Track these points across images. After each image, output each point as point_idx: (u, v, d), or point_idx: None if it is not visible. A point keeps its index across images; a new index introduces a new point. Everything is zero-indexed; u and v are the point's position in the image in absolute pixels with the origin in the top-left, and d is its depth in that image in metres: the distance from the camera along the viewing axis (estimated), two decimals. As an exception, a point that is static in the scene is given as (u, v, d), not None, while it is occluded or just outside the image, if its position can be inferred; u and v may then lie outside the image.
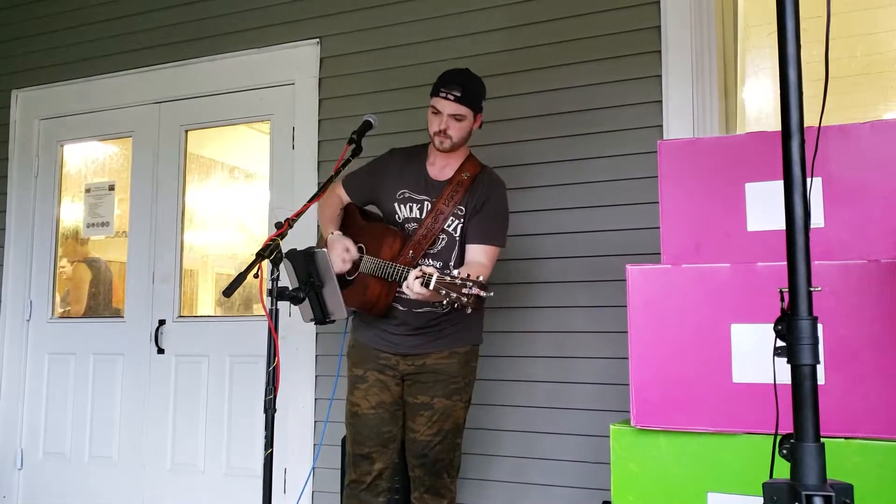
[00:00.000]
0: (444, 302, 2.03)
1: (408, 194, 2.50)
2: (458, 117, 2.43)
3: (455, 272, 2.05)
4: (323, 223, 2.68)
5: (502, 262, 3.14)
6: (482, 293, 2.01)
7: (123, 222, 4.12)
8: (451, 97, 2.42)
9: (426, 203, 2.47)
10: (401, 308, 2.44)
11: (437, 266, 2.38)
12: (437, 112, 2.45)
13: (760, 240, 1.69)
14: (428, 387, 2.45)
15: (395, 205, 2.50)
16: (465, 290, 2.00)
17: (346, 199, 2.65)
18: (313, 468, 3.37)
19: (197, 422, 3.76)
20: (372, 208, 2.69)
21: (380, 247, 2.40)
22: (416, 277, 2.06)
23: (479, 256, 2.41)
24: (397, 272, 2.31)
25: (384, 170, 2.56)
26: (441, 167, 2.53)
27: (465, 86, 2.44)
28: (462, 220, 2.45)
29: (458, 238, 2.45)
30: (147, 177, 4.03)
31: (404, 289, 2.14)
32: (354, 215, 2.63)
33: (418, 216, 2.46)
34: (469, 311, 2.03)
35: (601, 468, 2.87)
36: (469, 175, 2.48)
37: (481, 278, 2.04)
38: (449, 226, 2.45)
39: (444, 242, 2.45)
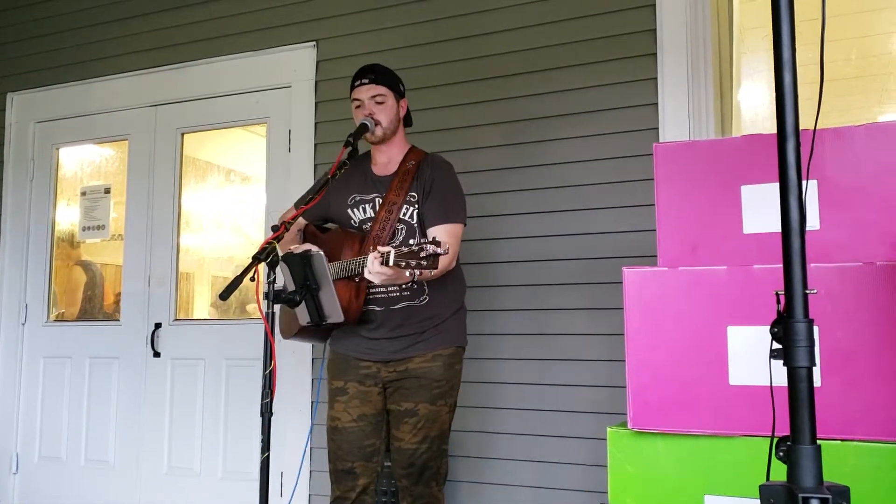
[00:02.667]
0: (408, 273, 1.98)
1: (358, 197, 2.49)
2: (377, 99, 2.45)
3: (411, 241, 2.01)
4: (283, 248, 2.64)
5: (499, 264, 3.15)
6: (438, 249, 1.95)
7: (119, 225, 4.11)
8: (366, 81, 2.46)
9: (377, 199, 2.45)
10: (377, 308, 2.39)
11: None
12: (359, 104, 2.47)
13: (756, 242, 1.70)
14: (412, 393, 2.39)
15: (349, 210, 2.48)
16: (422, 254, 1.96)
17: (301, 221, 2.62)
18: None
19: (193, 425, 3.75)
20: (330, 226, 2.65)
21: (340, 250, 2.36)
22: (375, 258, 2.04)
23: (443, 236, 2.36)
24: (358, 265, 2.26)
25: (335, 182, 2.46)
26: (384, 164, 2.52)
27: (375, 70, 2.50)
28: (416, 205, 2.42)
29: (416, 225, 2.42)
30: (143, 180, 4.03)
31: (366, 274, 2.10)
32: (314, 235, 2.60)
33: (372, 214, 2.44)
34: (431, 273, 1.99)
35: (598, 471, 2.87)
36: (414, 163, 2.48)
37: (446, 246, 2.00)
38: (404, 214, 2.41)
39: (403, 232, 2.41)
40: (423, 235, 2.42)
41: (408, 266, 1.97)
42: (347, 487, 2.40)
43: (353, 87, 2.50)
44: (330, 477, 2.45)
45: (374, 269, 2.05)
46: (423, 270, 1.96)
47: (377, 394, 2.43)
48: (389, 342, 2.40)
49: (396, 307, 2.39)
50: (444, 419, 2.42)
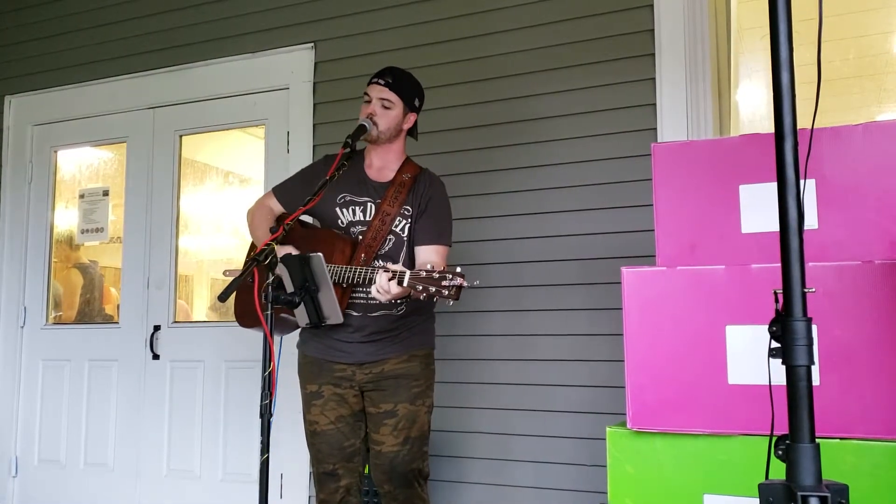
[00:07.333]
0: (423, 297, 1.99)
1: (349, 198, 2.45)
2: (385, 104, 2.43)
3: (428, 266, 2.02)
4: (256, 235, 2.60)
5: (497, 265, 3.15)
6: (464, 282, 1.97)
7: (118, 228, 4.11)
8: (382, 82, 2.44)
9: (369, 204, 2.43)
10: (354, 314, 2.37)
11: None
12: (367, 100, 2.46)
13: (755, 241, 1.70)
14: (390, 393, 2.38)
15: (337, 209, 2.45)
16: (445, 283, 1.97)
17: (278, 209, 2.58)
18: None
19: (193, 427, 3.75)
20: (308, 219, 2.63)
21: (331, 253, 2.32)
22: (390, 279, 2.04)
23: (433, 256, 2.37)
24: (359, 275, 2.23)
25: (320, 176, 2.39)
26: (379, 168, 2.50)
27: (395, 76, 2.47)
28: (409, 220, 2.42)
29: (405, 238, 2.41)
30: (141, 182, 4.02)
31: (374, 291, 2.10)
32: (294, 229, 2.51)
33: (363, 218, 2.42)
34: (451, 303, 2.00)
35: (597, 471, 2.87)
36: (410, 176, 2.46)
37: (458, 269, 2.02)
38: (396, 226, 2.41)
39: (391, 243, 2.40)
40: (411, 250, 2.42)
41: (425, 290, 1.99)
42: (331, 490, 2.40)
43: (370, 81, 2.48)
44: (313, 481, 2.45)
45: (392, 289, 2.05)
46: (441, 298, 1.98)
47: (353, 396, 2.42)
48: (364, 345, 2.39)
49: (373, 314, 2.38)
50: (423, 420, 2.42)
